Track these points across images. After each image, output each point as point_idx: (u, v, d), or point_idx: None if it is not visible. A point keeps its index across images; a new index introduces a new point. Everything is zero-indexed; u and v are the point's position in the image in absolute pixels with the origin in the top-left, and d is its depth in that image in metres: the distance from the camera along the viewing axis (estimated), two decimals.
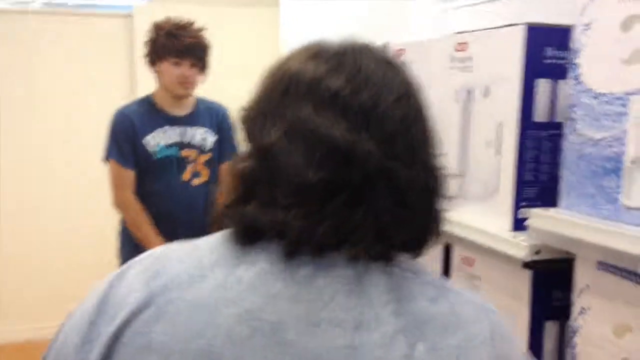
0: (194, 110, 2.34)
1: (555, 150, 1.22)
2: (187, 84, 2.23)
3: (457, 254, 1.42)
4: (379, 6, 2.11)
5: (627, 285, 1.00)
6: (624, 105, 0.98)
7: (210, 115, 2.35)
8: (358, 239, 0.67)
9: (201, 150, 2.31)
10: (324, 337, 0.65)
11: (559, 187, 1.22)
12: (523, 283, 1.20)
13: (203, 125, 2.31)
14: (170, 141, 2.29)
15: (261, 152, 0.70)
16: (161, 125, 2.29)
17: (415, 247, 0.73)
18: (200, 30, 2.28)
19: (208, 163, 2.32)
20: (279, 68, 0.74)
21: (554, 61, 1.20)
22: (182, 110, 2.32)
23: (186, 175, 2.31)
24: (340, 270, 0.67)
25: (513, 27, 1.20)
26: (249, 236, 0.70)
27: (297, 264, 0.68)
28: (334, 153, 0.66)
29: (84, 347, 0.69)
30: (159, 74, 2.25)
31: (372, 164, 0.66)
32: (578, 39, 1.08)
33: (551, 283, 1.20)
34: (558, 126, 1.22)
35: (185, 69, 2.21)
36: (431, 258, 1.52)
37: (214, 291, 0.68)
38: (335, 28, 2.18)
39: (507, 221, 1.23)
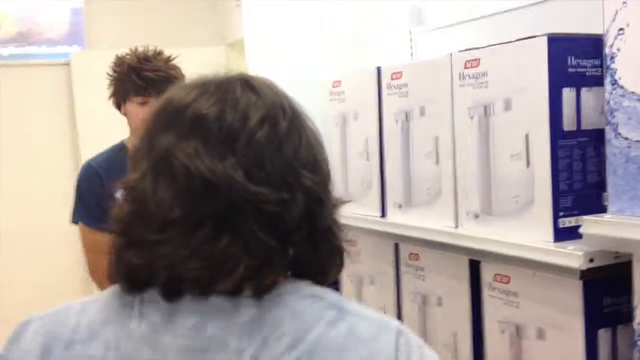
0: None
1: (585, 157, 1.23)
2: None
3: (488, 272, 1.40)
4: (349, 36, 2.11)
5: None
6: None
7: None
8: (230, 271, 0.64)
9: None
10: None
11: (594, 193, 1.22)
12: (574, 294, 1.19)
13: None
14: None
15: (129, 191, 0.69)
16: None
17: (312, 273, 0.71)
18: (169, 59, 1.96)
19: None
20: (159, 101, 0.74)
21: (576, 70, 1.21)
22: None
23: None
24: (227, 313, 0.65)
25: (534, 39, 1.21)
26: (133, 284, 0.69)
27: (183, 312, 0.66)
28: (193, 183, 0.64)
29: None
30: (127, 117, 2.01)
31: (234, 191, 0.64)
32: (612, 44, 1.09)
33: (601, 291, 1.19)
34: (585, 133, 1.22)
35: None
36: (457, 277, 1.49)
37: (107, 351, 0.67)
38: (305, 61, 2.16)
39: (547, 233, 1.22)
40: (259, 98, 0.70)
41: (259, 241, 0.66)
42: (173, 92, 0.72)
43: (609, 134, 1.11)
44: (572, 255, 1.13)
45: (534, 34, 1.22)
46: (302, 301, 0.68)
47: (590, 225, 1.11)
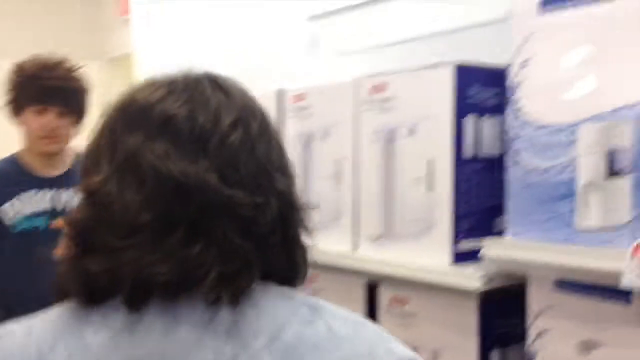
0: (71, 169, 1.91)
1: (483, 182, 1.29)
2: (54, 137, 1.83)
3: (385, 294, 1.41)
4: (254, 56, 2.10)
5: (588, 303, 1.06)
6: (571, 135, 1.06)
7: None
8: (203, 277, 0.61)
9: None
10: None
11: (491, 217, 1.28)
12: (468, 314, 1.23)
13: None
14: (38, 209, 1.86)
15: (90, 194, 0.64)
16: (25, 190, 1.86)
17: (283, 277, 0.71)
18: (71, 69, 1.87)
19: None
20: (118, 99, 0.70)
21: (478, 98, 1.27)
22: (54, 170, 1.90)
23: (60, 251, 1.93)
24: (198, 314, 0.62)
25: (441, 67, 1.26)
26: (90, 294, 0.63)
27: (150, 317, 0.62)
28: (165, 186, 0.62)
29: None
30: (23, 127, 1.87)
31: (208, 195, 0.62)
32: (516, 74, 1.15)
33: (496, 312, 1.24)
34: (484, 160, 1.28)
35: (50, 118, 1.80)
36: (353, 300, 1.50)
37: None
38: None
39: (445, 255, 1.26)
40: (229, 98, 0.67)
41: (233, 246, 0.62)
42: (136, 90, 0.68)
43: (510, 161, 1.16)
44: (471, 277, 1.17)
45: (439, 62, 1.27)
46: (274, 301, 0.65)
47: (490, 247, 1.15)
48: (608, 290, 1.02)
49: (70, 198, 1.82)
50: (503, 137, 1.24)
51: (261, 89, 1.73)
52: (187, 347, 0.60)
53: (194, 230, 0.62)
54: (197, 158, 0.63)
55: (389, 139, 1.37)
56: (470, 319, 1.23)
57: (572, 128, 1.06)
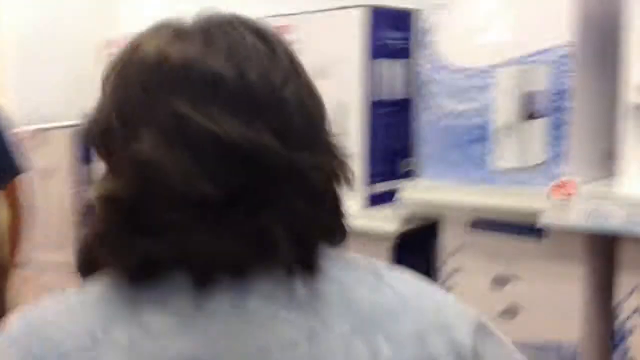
0: None
1: (393, 125, 1.30)
2: None
3: None
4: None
5: (502, 240, 1.11)
6: (487, 79, 1.09)
7: None
8: (274, 247, 0.58)
9: None
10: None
11: (401, 160, 1.30)
12: (384, 256, 1.25)
13: None
14: None
15: (135, 167, 0.57)
16: None
17: (336, 238, 0.71)
18: None
19: None
20: (130, 58, 0.61)
21: (388, 42, 1.27)
22: None
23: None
24: (270, 289, 0.59)
25: (353, 9, 1.23)
26: (143, 272, 0.58)
27: (218, 296, 0.57)
28: (227, 155, 0.56)
29: None
30: None
31: (271, 159, 0.57)
32: (430, 19, 1.15)
33: (409, 252, 1.27)
34: (398, 103, 1.29)
35: None
36: None
37: (119, 357, 0.55)
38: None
39: (359, 199, 1.26)
40: (272, 49, 0.60)
41: (299, 212, 0.57)
42: (162, 42, 0.59)
43: (422, 105, 1.18)
44: (386, 220, 1.19)
45: (349, 4, 1.25)
46: (342, 269, 0.61)
47: (405, 190, 1.17)
48: (522, 228, 1.08)
49: None
50: (412, 81, 1.25)
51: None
52: (263, 324, 0.56)
53: (258, 199, 0.56)
54: (253, 120, 0.56)
55: None
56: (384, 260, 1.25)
57: (488, 72, 1.09)
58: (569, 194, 0.95)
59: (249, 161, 0.56)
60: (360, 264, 0.65)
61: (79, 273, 0.61)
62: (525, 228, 1.06)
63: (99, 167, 0.61)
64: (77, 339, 0.56)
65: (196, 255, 0.55)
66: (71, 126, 1.92)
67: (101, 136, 0.60)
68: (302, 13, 1.33)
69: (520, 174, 1.06)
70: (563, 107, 1.02)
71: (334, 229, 0.64)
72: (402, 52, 1.28)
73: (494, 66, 1.08)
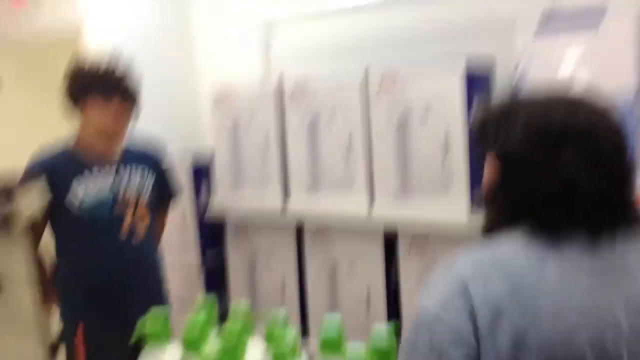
0: (124, 156, 1.95)
1: None
2: (114, 133, 1.89)
3: (405, 244, 1.79)
4: None
5: None
6: None
7: (144, 157, 1.99)
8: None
9: (137, 202, 1.91)
10: None
11: None
12: None
13: (137, 168, 1.95)
14: (100, 196, 1.87)
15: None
16: (86, 177, 1.87)
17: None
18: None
19: (144, 216, 1.94)
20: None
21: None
22: (109, 159, 1.92)
23: (123, 235, 1.90)
24: (619, 236, 0.93)
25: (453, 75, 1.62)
26: (552, 232, 0.92)
27: (603, 242, 0.91)
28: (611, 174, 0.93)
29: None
30: (82, 114, 1.85)
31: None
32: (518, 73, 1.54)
33: None
34: None
35: (114, 106, 1.86)
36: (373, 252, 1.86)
37: (558, 289, 0.88)
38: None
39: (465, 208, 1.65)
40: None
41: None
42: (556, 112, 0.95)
43: None
44: None
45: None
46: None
47: None
48: None
49: (127, 183, 1.89)
50: None
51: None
52: (624, 251, 0.91)
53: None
54: None
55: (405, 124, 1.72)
56: None
57: None
58: None
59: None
60: None
61: (483, 233, 0.98)
62: None
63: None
64: (527, 269, 0.90)
65: (591, 224, 0.91)
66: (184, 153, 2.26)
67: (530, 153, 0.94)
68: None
69: None
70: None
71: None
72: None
73: None
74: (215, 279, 2.28)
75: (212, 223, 2.23)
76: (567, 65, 1.50)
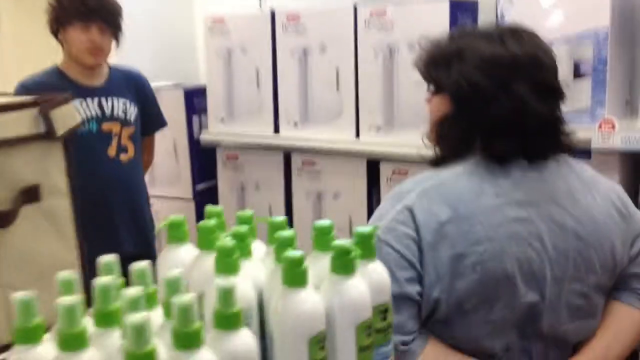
0: (109, 80, 2.05)
1: None
2: (97, 50, 1.95)
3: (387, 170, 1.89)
4: None
5: None
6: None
7: (128, 84, 2.08)
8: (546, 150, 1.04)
9: (124, 122, 2.02)
10: (586, 201, 1.04)
11: None
12: None
13: (122, 95, 2.04)
14: (87, 115, 1.97)
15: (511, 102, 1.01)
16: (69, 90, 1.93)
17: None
18: None
19: (132, 137, 2.04)
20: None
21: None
22: (96, 80, 2.02)
23: (111, 151, 2.00)
24: (556, 166, 1.04)
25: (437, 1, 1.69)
26: (499, 161, 1.02)
27: (531, 170, 1.01)
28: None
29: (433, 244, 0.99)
30: (65, 42, 1.93)
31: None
32: (500, 10, 1.62)
33: None
34: None
35: (94, 34, 1.93)
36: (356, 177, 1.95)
37: (492, 216, 0.99)
38: None
39: None
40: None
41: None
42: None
43: None
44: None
45: None
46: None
47: None
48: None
49: (115, 104, 2.00)
50: None
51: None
52: (561, 179, 1.03)
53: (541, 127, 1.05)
54: None
55: (390, 55, 1.80)
56: None
57: (551, 44, 1.56)
58: (612, 127, 1.46)
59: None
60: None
61: (432, 164, 1.07)
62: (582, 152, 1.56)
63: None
64: (469, 191, 1.00)
65: (526, 151, 1.02)
66: (176, 85, 2.33)
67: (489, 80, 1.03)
68: (397, 6, 1.78)
69: (571, 115, 1.55)
70: (602, 70, 1.52)
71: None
72: None
73: (553, 40, 1.56)
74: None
75: (204, 152, 2.30)
76: None
